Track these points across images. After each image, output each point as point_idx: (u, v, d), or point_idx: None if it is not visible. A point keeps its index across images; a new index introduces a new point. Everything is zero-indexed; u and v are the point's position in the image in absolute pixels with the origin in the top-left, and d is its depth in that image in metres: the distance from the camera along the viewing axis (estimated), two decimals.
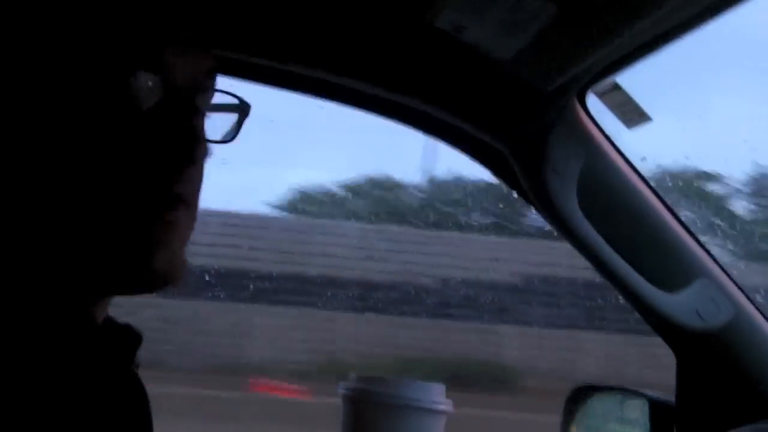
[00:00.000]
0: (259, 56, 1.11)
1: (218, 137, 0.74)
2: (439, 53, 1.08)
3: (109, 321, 0.74)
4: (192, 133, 0.68)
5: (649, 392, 1.33)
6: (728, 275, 1.18)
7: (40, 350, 0.61)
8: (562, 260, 5.24)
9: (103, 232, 0.65)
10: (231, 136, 0.75)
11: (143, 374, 0.72)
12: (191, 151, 0.68)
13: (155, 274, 0.67)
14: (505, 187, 1.30)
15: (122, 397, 0.66)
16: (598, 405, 1.43)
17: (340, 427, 0.93)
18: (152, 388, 0.72)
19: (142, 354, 0.74)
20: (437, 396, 0.91)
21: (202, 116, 0.72)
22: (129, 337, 0.73)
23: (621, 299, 1.19)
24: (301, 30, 1.07)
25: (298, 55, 1.11)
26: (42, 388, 0.60)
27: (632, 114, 1.09)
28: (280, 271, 5.94)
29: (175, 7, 0.69)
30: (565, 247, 1.18)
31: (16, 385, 0.58)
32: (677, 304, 1.14)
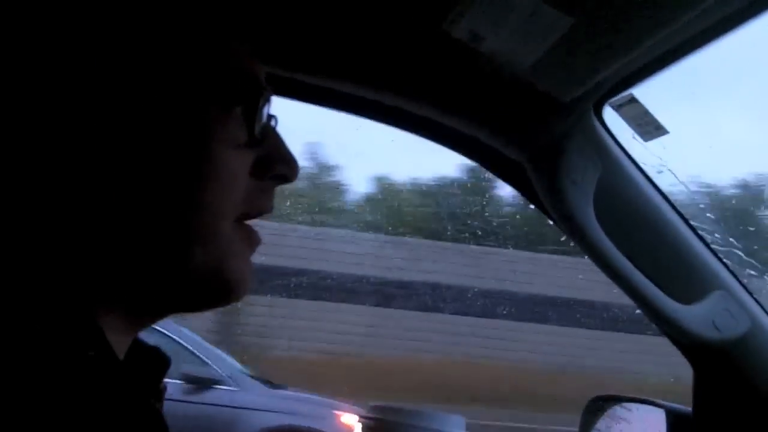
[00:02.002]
0: (276, 68, 1.12)
1: None
2: (457, 63, 1.08)
3: (136, 344, 0.69)
4: (292, 155, 0.70)
5: (667, 403, 1.33)
6: (744, 287, 1.17)
7: (51, 376, 0.54)
8: None
9: (181, 240, 0.63)
10: None
11: None
12: (295, 172, 0.70)
13: (229, 284, 0.66)
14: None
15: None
16: (615, 415, 1.43)
17: None
18: None
19: None
20: (456, 427, 0.91)
21: None
22: (155, 362, 0.69)
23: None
24: (318, 41, 1.08)
25: (314, 66, 1.12)
26: (49, 419, 0.53)
27: (648, 127, 1.09)
28: None
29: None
30: None
31: (22, 415, 0.51)
32: (694, 315, 1.13)
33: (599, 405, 1.44)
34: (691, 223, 1.16)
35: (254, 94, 0.66)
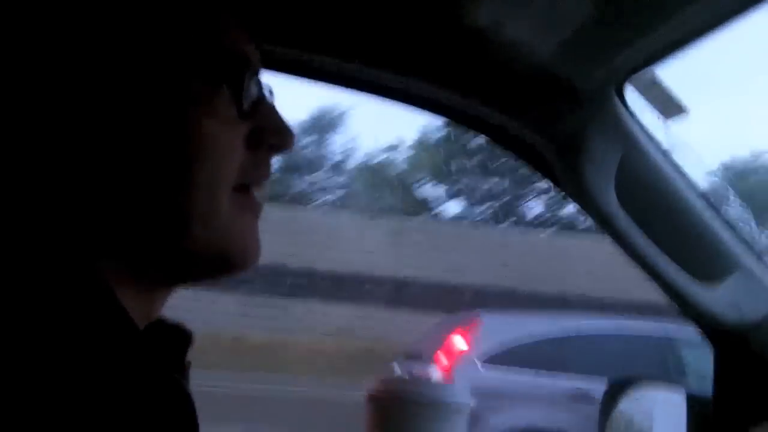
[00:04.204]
0: (300, 50, 1.12)
1: None
2: (478, 49, 1.08)
3: (158, 320, 0.70)
4: (285, 124, 0.71)
5: (687, 386, 1.33)
6: (767, 268, 1.17)
7: (72, 353, 0.55)
8: None
9: (180, 217, 0.64)
10: None
11: None
12: (290, 141, 0.71)
13: (232, 255, 0.67)
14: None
15: (162, 408, 0.60)
16: (635, 398, 1.43)
17: (365, 427, 0.94)
18: None
19: None
20: (459, 396, 0.92)
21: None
22: (178, 338, 0.70)
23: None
24: (343, 25, 1.08)
25: (338, 50, 1.12)
26: (67, 397, 0.54)
27: (670, 107, 1.09)
28: None
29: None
30: None
31: (39, 392, 0.52)
32: (715, 297, 1.13)
33: (620, 388, 1.44)
34: (714, 203, 1.16)
35: (239, 70, 0.68)
